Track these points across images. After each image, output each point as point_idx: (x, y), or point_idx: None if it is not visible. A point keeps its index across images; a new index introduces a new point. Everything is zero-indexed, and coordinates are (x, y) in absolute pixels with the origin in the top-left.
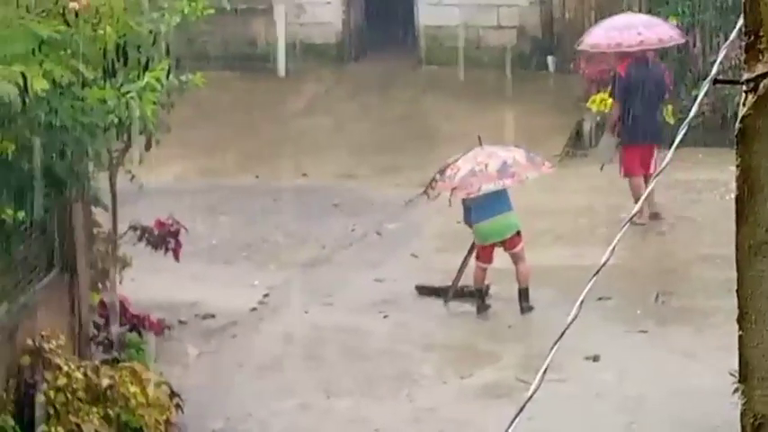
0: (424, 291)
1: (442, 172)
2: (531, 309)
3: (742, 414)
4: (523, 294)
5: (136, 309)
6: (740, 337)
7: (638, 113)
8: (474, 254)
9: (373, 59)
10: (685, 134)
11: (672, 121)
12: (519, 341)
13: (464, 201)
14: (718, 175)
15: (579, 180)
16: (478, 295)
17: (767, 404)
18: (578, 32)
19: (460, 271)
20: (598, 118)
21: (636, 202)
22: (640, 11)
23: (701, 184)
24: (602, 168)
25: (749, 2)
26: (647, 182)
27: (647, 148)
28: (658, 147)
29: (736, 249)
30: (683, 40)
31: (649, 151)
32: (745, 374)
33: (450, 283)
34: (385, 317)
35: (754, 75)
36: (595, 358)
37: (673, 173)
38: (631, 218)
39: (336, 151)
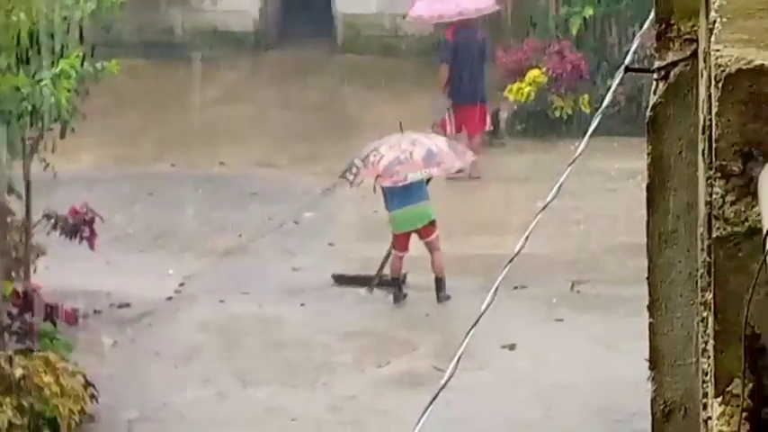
0: (341, 280)
1: (363, 159)
2: (447, 297)
3: (652, 401)
4: (439, 283)
5: (50, 298)
6: (650, 324)
7: (466, 75)
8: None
9: (291, 48)
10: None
11: (587, 111)
12: (436, 330)
13: (383, 188)
14: (633, 163)
15: (497, 168)
16: (395, 284)
17: (677, 390)
18: (496, 22)
19: (385, 260)
20: (515, 107)
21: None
22: None
23: (616, 172)
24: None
25: None
26: (478, 140)
27: (477, 107)
28: (486, 105)
29: (647, 237)
30: (498, 8)
31: (480, 110)
32: (655, 361)
33: (366, 273)
34: (302, 305)
35: (664, 63)
36: (512, 347)
37: (589, 161)
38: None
39: (254, 139)
